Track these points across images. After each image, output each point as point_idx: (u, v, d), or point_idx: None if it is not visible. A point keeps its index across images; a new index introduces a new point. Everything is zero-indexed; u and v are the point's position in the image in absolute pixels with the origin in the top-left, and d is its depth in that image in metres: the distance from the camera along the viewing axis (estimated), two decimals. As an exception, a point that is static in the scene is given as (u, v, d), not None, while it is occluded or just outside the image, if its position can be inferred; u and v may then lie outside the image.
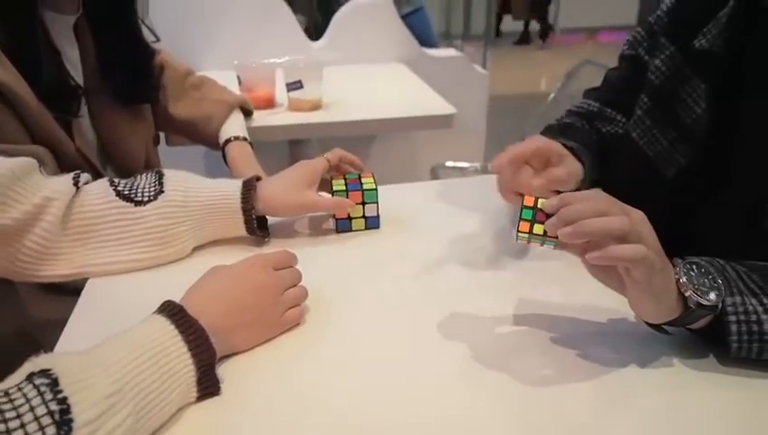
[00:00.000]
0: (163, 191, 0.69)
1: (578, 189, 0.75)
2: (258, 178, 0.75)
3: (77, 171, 0.72)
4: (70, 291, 0.90)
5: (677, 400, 0.50)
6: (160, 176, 0.72)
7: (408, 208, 0.84)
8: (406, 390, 0.50)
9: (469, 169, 1.92)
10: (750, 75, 0.68)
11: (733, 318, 0.51)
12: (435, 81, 1.71)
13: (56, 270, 0.66)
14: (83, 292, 0.66)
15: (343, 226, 0.77)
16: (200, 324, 0.49)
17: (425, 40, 1.97)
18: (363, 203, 0.76)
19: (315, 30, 2.80)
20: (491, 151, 2.09)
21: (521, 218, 0.52)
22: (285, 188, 0.74)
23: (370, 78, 1.74)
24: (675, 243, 0.65)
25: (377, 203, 0.76)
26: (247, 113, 1.24)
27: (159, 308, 0.50)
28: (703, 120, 0.70)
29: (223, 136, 1.12)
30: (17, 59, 0.78)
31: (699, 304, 0.50)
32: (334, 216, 0.77)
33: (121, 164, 1.03)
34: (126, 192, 0.69)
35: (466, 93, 1.92)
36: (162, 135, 1.20)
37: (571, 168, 0.73)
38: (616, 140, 0.85)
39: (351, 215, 0.76)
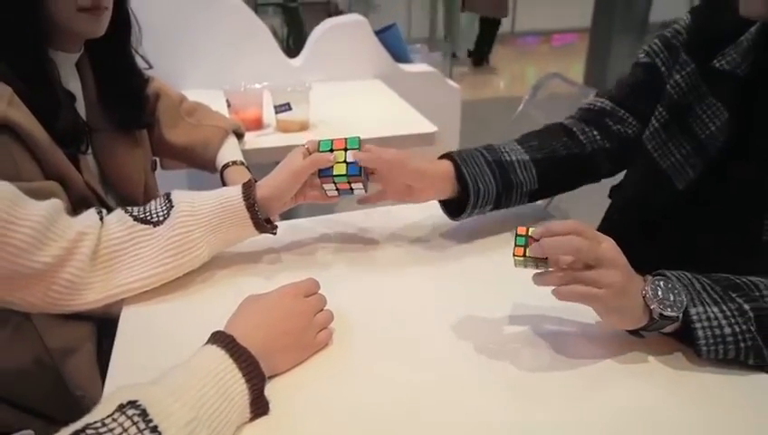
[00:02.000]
0: (172, 206, 0.74)
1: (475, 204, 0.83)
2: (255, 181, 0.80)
3: (98, 207, 0.76)
4: (84, 318, 0.94)
5: (650, 388, 0.59)
6: (168, 195, 0.77)
7: (409, 225, 0.92)
8: (423, 391, 0.58)
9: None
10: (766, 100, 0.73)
11: (698, 325, 0.60)
12: (409, 95, 1.79)
13: (87, 298, 0.70)
14: (120, 322, 0.70)
15: (325, 172, 0.79)
16: (250, 352, 0.55)
17: (398, 55, 2.05)
18: (345, 149, 0.79)
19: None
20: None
21: (516, 245, 0.62)
22: (278, 172, 0.79)
23: (351, 96, 1.81)
24: (679, 251, 0.73)
25: (359, 151, 0.79)
26: (239, 136, 1.29)
27: (213, 339, 0.56)
28: (717, 137, 0.75)
29: (220, 161, 1.17)
30: (37, 105, 0.82)
31: (662, 316, 0.59)
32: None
33: (122, 191, 1.07)
34: (142, 216, 0.74)
35: (439, 107, 2.00)
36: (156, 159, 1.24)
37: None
38: (623, 139, 0.90)
39: (335, 160, 0.79)
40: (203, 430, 0.47)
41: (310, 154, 0.80)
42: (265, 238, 0.84)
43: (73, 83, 0.97)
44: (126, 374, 0.61)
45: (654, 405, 0.57)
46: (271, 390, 0.57)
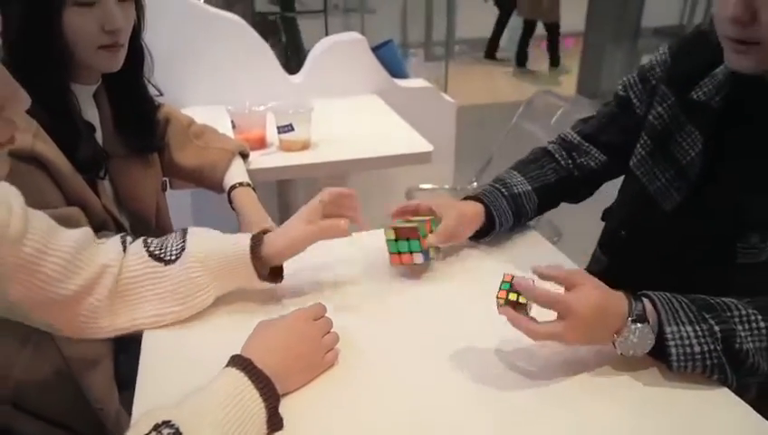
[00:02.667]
0: (185, 248, 0.78)
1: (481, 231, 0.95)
2: (266, 231, 0.82)
3: (123, 234, 0.82)
4: (102, 334, 1.00)
5: (625, 399, 0.66)
6: (185, 233, 0.81)
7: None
8: (421, 406, 0.64)
9: (441, 191, 2.08)
10: (739, 130, 0.80)
11: (672, 343, 0.66)
12: (406, 110, 1.86)
13: (113, 326, 0.75)
14: (143, 345, 0.76)
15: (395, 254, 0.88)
16: (266, 374, 0.61)
17: (394, 71, 2.11)
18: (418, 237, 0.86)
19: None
20: (460, 170, 2.26)
21: (500, 289, 0.70)
22: (287, 231, 0.82)
23: (350, 112, 1.87)
24: (664, 267, 0.80)
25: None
26: (245, 156, 1.35)
27: (232, 362, 0.62)
28: (696, 162, 0.82)
29: (228, 182, 1.23)
30: (60, 136, 0.88)
31: (622, 353, 0.68)
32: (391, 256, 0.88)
33: (135, 211, 1.13)
34: (156, 252, 0.78)
35: (435, 120, 2.07)
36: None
37: (451, 222, 0.90)
38: (587, 171, 1.01)
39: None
40: None
41: (323, 205, 0.84)
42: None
43: (91, 112, 1.03)
44: (152, 394, 0.67)
45: (627, 414, 0.64)
46: (283, 407, 0.63)
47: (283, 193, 1.63)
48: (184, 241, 0.79)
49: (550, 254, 0.98)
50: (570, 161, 1.02)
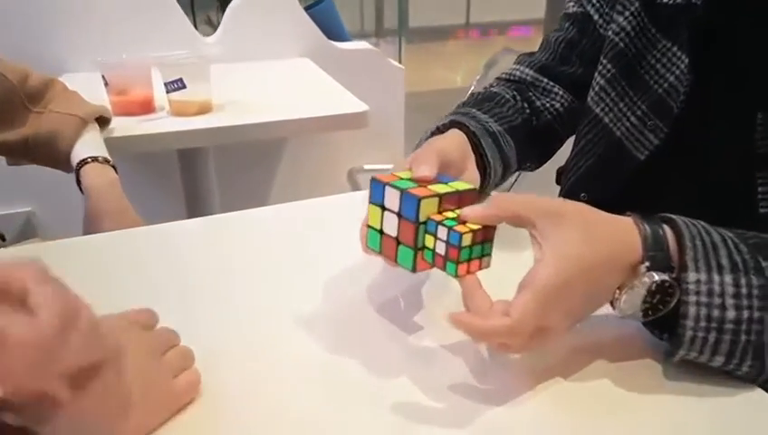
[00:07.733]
0: None
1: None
2: None
3: None
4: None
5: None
6: None
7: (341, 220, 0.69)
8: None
9: (388, 173, 1.78)
10: (731, 32, 0.58)
11: (693, 299, 0.41)
12: (345, 77, 1.53)
13: None
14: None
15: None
16: None
17: (333, 33, 1.79)
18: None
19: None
20: (410, 151, 1.94)
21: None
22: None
23: (271, 75, 1.55)
24: None
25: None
26: (104, 122, 1.00)
27: None
28: (678, 88, 0.60)
29: (76, 157, 0.89)
30: None
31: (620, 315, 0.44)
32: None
33: None
34: None
35: (381, 90, 1.76)
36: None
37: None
38: (553, 117, 0.74)
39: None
40: None
41: None
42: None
43: None
44: None
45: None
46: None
47: (187, 168, 1.28)
48: None
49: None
50: (525, 105, 0.75)
